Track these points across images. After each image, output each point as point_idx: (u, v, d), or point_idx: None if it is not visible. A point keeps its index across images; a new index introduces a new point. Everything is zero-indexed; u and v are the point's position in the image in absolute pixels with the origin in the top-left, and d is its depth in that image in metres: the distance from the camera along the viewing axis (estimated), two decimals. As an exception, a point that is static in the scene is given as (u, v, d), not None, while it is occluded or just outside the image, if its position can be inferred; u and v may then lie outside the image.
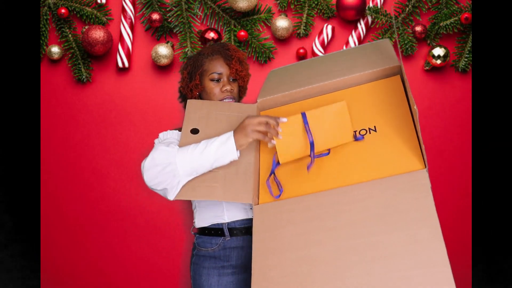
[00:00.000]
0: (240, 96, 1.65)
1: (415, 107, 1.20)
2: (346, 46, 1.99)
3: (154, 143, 1.54)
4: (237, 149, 1.34)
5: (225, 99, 1.56)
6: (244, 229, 1.50)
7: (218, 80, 1.57)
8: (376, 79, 1.46)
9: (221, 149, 1.34)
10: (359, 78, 1.46)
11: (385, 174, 1.26)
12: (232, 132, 1.36)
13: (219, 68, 1.57)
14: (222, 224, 1.52)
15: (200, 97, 1.62)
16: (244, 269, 1.50)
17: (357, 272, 1.14)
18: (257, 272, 1.25)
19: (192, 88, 1.60)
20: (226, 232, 1.51)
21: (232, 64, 1.57)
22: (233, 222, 1.51)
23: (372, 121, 1.38)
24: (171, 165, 1.34)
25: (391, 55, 1.47)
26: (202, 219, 1.56)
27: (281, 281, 1.21)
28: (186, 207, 2.02)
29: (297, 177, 1.37)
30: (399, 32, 1.97)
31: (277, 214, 1.31)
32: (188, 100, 1.52)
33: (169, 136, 1.54)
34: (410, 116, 1.37)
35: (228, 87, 1.56)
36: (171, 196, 1.36)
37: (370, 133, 1.36)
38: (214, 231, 1.52)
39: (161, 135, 1.57)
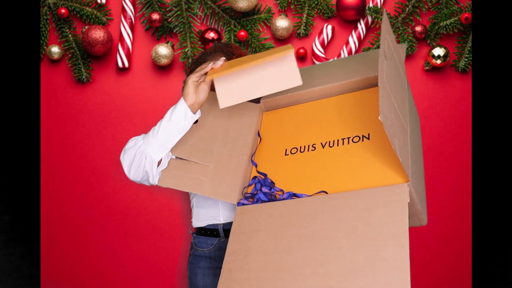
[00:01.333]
0: None
1: (379, 117, 1.12)
2: (346, 46, 1.99)
3: None
4: (190, 106, 1.30)
5: None
6: None
7: None
8: (376, 85, 1.45)
9: (174, 112, 1.31)
10: (360, 82, 1.45)
11: (365, 186, 1.23)
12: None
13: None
14: (217, 225, 1.52)
15: None
16: (241, 270, 1.50)
17: (317, 285, 1.11)
18: (226, 272, 1.24)
19: None
20: (221, 233, 1.51)
21: (232, 59, 1.56)
22: (229, 223, 1.51)
23: (367, 128, 1.36)
24: (140, 148, 1.33)
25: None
26: (199, 219, 1.56)
27: (244, 283, 1.19)
28: (186, 208, 2.02)
29: (284, 175, 1.38)
30: (399, 32, 1.97)
31: (256, 217, 1.30)
32: None
33: None
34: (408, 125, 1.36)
35: None
36: (154, 180, 1.35)
37: (363, 140, 1.34)
38: (210, 231, 1.53)
39: None
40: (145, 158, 1.33)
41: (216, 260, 1.50)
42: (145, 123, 2.02)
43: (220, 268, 1.48)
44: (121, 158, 1.36)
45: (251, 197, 1.38)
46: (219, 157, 1.40)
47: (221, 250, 1.49)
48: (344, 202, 1.21)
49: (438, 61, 1.94)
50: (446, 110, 2.01)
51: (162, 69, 2.03)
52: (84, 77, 2.00)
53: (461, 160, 2.00)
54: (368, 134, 1.34)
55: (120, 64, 1.99)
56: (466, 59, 1.97)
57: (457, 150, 2.00)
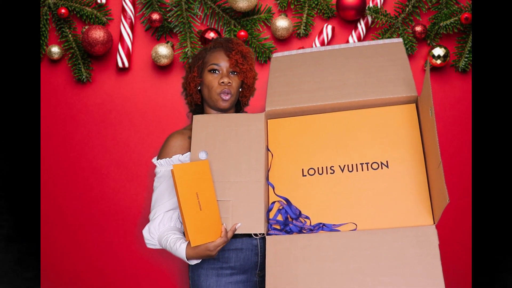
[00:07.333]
0: (244, 95, 1.62)
1: (439, 162, 1.23)
2: (346, 46, 1.99)
3: (154, 172, 1.55)
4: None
5: (222, 92, 1.54)
6: None
7: (216, 72, 1.55)
8: (390, 104, 1.45)
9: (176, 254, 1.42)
10: (374, 100, 1.45)
11: (395, 224, 1.32)
12: (186, 247, 1.40)
13: (218, 59, 1.55)
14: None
15: (200, 91, 1.61)
16: (243, 271, 1.50)
17: None
18: None
19: (190, 80, 1.59)
20: None
21: (231, 55, 1.54)
22: None
23: (384, 153, 1.40)
24: (156, 246, 1.50)
25: (408, 77, 1.46)
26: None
27: None
28: (186, 207, 2.01)
29: (305, 199, 1.40)
30: (399, 32, 1.97)
31: (291, 249, 1.34)
32: (194, 116, 1.49)
33: (163, 170, 1.52)
34: (422, 153, 1.38)
35: (225, 80, 1.53)
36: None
37: (382, 168, 1.38)
38: None
39: (155, 162, 1.55)
40: (159, 248, 1.50)
41: (220, 261, 1.49)
42: (145, 123, 2.02)
43: (224, 268, 1.49)
44: (148, 242, 1.50)
45: (276, 224, 1.39)
46: (237, 187, 1.40)
47: (225, 251, 1.49)
48: (379, 240, 1.30)
49: (438, 61, 1.93)
50: (446, 110, 2.01)
51: (162, 69, 2.03)
52: (84, 77, 2.00)
53: (461, 160, 1.99)
54: (387, 162, 1.38)
55: (120, 64, 1.99)
56: (466, 59, 1.97)
57: (457, 150, 2.00)
